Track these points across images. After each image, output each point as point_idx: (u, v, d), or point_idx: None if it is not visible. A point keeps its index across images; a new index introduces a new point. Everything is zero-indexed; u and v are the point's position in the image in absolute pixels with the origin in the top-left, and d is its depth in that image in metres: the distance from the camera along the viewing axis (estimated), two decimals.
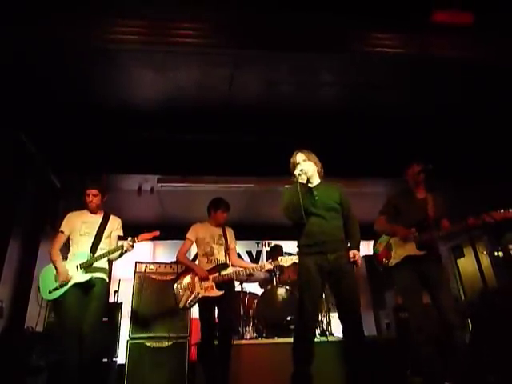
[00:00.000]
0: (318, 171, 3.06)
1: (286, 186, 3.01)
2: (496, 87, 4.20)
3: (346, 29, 3.82)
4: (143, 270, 4.81)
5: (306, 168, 2.94)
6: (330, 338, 4.30)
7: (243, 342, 4.25)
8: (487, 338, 3.50)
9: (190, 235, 3.98)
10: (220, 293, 3.71)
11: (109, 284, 3.73)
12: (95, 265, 3.42)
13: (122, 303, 4.76)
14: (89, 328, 3.21)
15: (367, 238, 7.99)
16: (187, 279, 3.83)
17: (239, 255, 4.32)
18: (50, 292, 3.33)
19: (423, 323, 3.08)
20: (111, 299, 4.93)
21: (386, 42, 3.81)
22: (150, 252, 7.28)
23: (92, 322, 3.25)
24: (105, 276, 3.50)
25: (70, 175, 4.89)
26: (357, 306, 2.76)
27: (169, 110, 4.52)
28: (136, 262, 4.89)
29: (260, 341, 4.37)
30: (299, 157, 3.03)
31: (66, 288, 3.30)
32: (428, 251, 3.22)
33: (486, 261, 5.34)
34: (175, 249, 4.09)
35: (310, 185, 2.95)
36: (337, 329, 5.46)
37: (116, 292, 4.97)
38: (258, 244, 7.54)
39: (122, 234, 3.66)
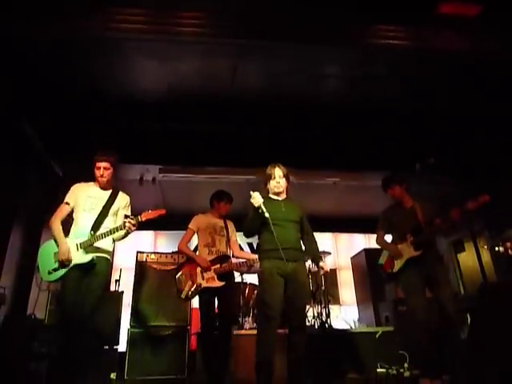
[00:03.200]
0: (287, 188, 3.26)
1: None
2: (501, 80, 4.17)
3: (350, 21, 3.79)
4: (144, 260, 4.83)
5: (280, 184, 3.15)
6: None
7: (243, 331, 4.27)
8: (486, 331, 3.51)
9: (191, 225, 4.00)
10: (221, 283, 3.73)
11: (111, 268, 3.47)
12: (97, 245, 3.09)
13: (122, 292, 4.78)
14: (87, 311, 2.96)
15: (367, 231, 8.02)
16: (189, 269, 3.85)
17: (240, 247, 4.34)
18: (49, 273, 3.04)
19: (424, 317, 3.29)
20: (112, 288, 4.96)
21: (391, 34, 3.78)
22: (152, 242, 7.31)
23: (91, 304, 2.99)
24: (107, 255, 3.19)
25: (72, 164, 4.89)
26: (304, 314, 3.23)
27: (171, 99, 4.51)
28: (137, 252, 4.91)
29: None
30: (277, 171, 3.17)
31: (66, 269, 3.00)
32: (426, 251, 3.48)
33: (486, 255, 5.33)
34: (176, 239, 4.11)
35: (278, 198, 3.18)
36: (335, 321, 5.50)
37: (117, 281, 5.00)
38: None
39: (129, 213, 3.30)
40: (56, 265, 3.03)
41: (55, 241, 3.09)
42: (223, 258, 3.86)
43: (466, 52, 3.85)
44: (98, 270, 3.08)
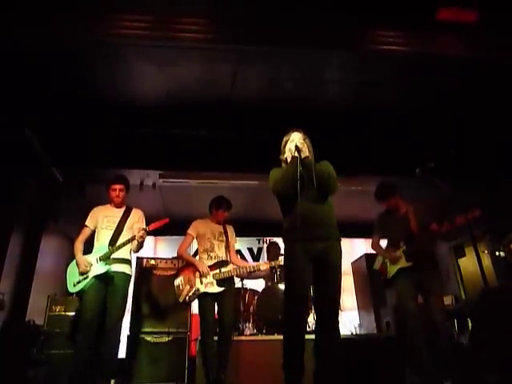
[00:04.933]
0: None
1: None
2: (500, 85, 4.18)
3: (350, 26, 3.80)
4: (144, 265, 4.82)
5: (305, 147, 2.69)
6: None
7: (243, 338, 4.26)
8: (487, 337, 3.50)
9: (190, 231, 3.99)
10: (220, 289, 3.71)
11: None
12: (114, 256, 3.53)
13: None
14: (111, 324, 3.37)
15: (368, 236, 7.98)
16: (188, 274, 3.83)
17: (240, 252, 4.31)
18: (74, 285, 3.49)
19: (414, 323, 3.40)
20: None
21: (390, 40, 3.80)
22: (152, 247, 7.29)
23: (115, 318, 3.41)
24: (126, 268, 3.61)
25: (72, 169, 4.90)
26: (337, 304, 2.50)
27: (171, 105, 4.51)
28: (137, 257, 4.90)
29: (260, 337, 4.38)
30: (296, 135, 2.78)
31: (87, 280, 3.44)
32: (418, 260, 3.57)
33: (487, 260, 5.31)
34: (176, 244, 4.10)
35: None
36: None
37: None
38: (259, 241, 7.52)
39: (144, 225, 3.67)
40: (80, 277, 3.47)
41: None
42: (222, 264, 3.85)
43: (465, 57, 3.86)
44: (118, 287, 3.49)
